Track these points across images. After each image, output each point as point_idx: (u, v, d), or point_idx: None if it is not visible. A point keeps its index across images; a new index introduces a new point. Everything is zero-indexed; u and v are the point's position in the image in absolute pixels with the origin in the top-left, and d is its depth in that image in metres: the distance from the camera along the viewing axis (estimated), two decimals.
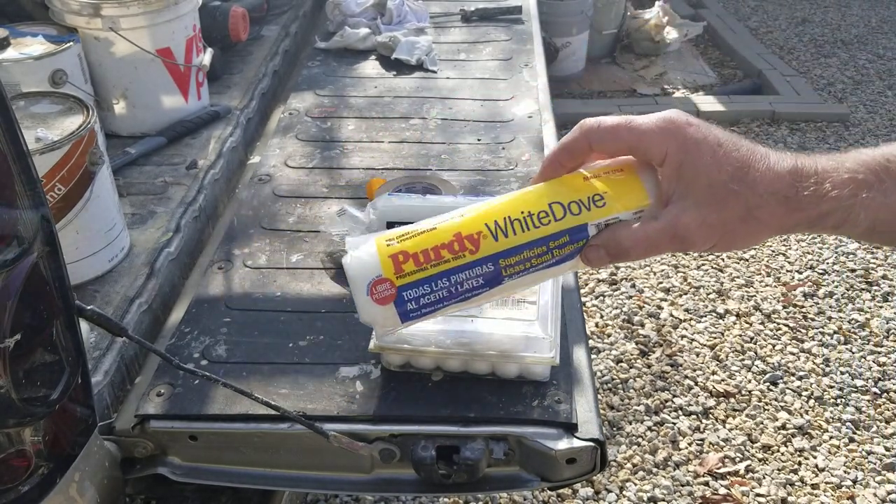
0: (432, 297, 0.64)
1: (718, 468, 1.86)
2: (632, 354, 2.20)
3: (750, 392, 2.07)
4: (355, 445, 0.83)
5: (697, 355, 2.20)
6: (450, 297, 0.64)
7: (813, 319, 2.33)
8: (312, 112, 1.56)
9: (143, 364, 1.00)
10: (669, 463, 1.88)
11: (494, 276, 0.63)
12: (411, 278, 0.64)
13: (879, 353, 2.21)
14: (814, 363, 2.17)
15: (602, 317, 2.34)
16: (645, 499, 1.79)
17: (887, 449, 1.91)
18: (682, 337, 2.27)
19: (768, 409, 2.02)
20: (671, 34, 3.86)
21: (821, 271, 2.54)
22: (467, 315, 0.91)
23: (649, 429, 1.97)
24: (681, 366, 2.16)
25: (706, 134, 0.59)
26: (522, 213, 0.63)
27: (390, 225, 0.83)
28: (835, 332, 2.28)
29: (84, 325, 0.77)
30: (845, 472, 1.85)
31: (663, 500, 1.79)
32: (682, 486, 1.83)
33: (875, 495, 1.80)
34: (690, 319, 2.33)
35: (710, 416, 2.01)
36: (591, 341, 2.23)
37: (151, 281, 1.08)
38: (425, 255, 0.64)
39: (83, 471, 0.79)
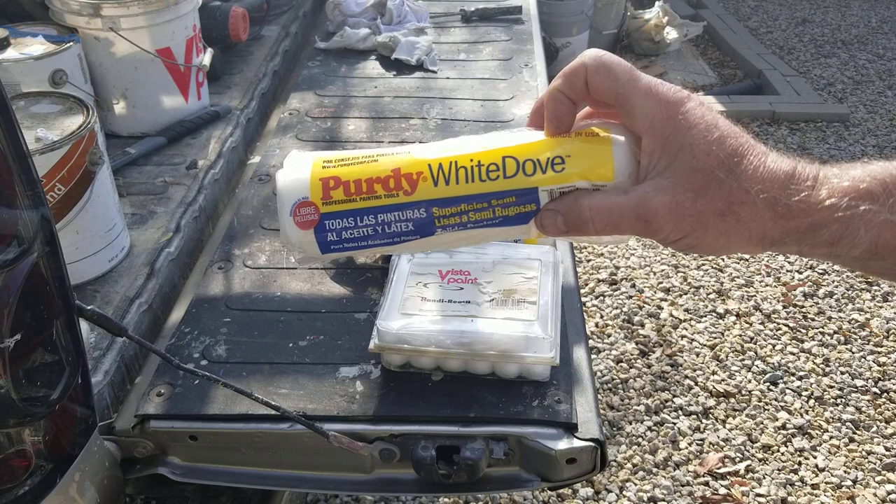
0: (356, 232, 0.58)
1: (718, 468, 1.86)
2: (632, 354, 2.20)
3: (750, 392, 2.07)
4: (355, 445, 0.83)
5: (697, 355, 2.20)
6: (375, 236, 0.58)
7: (813, 319, 2.33)
8: (312, 112, 1.56)
9: (143, 364, 1.00)
10: (669, 463, 1.88)
11: (425, 225, 0.57)
12: (337, 208, 0.58)
13: (879, 353, 2.21)
14: (814, 363, 2.17)
15: (602, 317, 2.34)
16: (645, 499, 1.79)
17: (887, 449, 1.91)
18: (682, 337, 2.27)
19: (768, 409, 2.02)
20: (671, 34, 3.86)
21: (821, 271, 2.54)
22: (467, 315, 0.91)
23: (649, 429, 1.97)
24: (681, 366, 2.16)
25: (705, 114, 0.52)
26: (472, 161, 0.56)
27: None
28: (835, 332, 2.28)
29: (84, 325, 0.77)
30: (845, 472, 1.85)
31: (663, 500, 1.79)
32: (682, 486, 1.83)
33: (875, 495, 1.80)
34: (690, 319, 2.33)
35: (710, 416, 2.01)
36: (591, 341, 2.23)
37: (151, 281, 1.08)
38: (357, 185, 0.58)
39: (83, 471, 0.79)
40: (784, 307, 2.37)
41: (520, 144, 0.57)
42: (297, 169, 0.60)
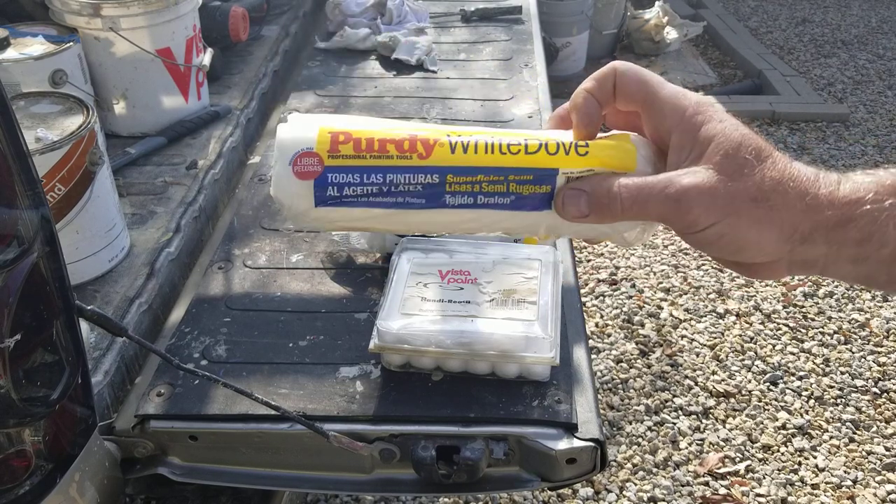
0: (359, 189, 0.55)
1: (718, 468, 1.86)
2: (632, 354, 2.20)
3: (750, 392, 2.07)
4: (355, 445, 0.83)
5: (697, 355, 2.20)
6: (379, 195, 0.55)
7: (813, 319, 2.33)
8: (312, 112, 1.56)
9: (143, 364, 1.00)
10: (669, 463, 1.88)
11: (436, 192, 0.54)
12: (344, 162, 0.54)
13: (879, 353, 2.21)
14: (814, 363, 2.17)
15: (602, 317, 2.34)
16: (645, 499, 1.79)
17: (887, 449, 1.91)
18: (682, 337, 2.27)
19: (768, 409, 2.02)
20: (671, 34, 3.86)
21: None
22: (467, 315, 0.91)
23: (649, 429, 1.97)
24: (681, 366, 2.16)
25: (730, 115, 0.55)
26: (493, 137, 0.55)
27: None
28: (835, 332, 2.28)
29: (84, 325, 0.77)
30: (845, 472, 1.85)
31: (663, 500, 1.79)
32: (682, 486, 1.83)
33: (875, 495, 1.80)
34: (690, 319, 2.33)
35: (710, 416, 2.01)
36: (591, 341, 2.23)
37: (151, 281, 1.08)
38: (369, 143, 0.54)
39: (83, 471, 0.79)
40: (784, 307, 2.37)
41: (544, 132, 0.57)
42: (302, 122, 0.58)
